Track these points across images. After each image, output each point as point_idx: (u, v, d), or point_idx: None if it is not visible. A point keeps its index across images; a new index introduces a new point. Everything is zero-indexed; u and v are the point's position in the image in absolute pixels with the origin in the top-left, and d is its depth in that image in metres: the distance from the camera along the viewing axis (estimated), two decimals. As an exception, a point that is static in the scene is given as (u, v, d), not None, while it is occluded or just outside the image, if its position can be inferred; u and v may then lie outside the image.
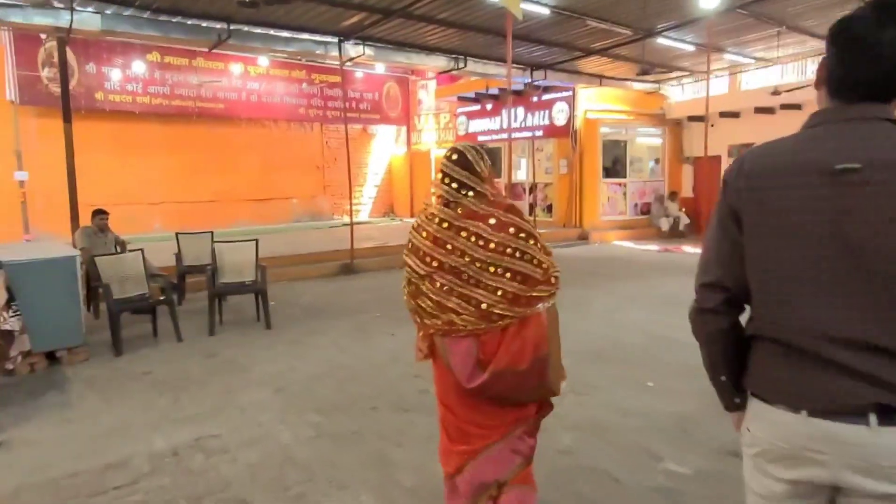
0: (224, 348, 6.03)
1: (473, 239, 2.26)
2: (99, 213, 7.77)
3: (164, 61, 15.11)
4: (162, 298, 6.41)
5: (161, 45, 14.37)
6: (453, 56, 12.02)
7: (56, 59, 13.24)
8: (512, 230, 2.27)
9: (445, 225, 2.31)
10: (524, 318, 2.26)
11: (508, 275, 2.24)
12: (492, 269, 2.25)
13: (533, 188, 16.13)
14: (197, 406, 4.48)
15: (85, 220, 8.24)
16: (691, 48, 11.57)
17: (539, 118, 15.76)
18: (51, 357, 5.63)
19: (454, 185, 2.35)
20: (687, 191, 16.80)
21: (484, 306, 2.25)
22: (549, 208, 16.25)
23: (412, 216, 20.21)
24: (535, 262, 2.27)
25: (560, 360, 2.40)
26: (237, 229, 16.06)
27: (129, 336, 6.49)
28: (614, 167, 16.14)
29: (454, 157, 2.38)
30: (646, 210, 16.48)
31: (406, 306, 2.52)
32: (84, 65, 13.98)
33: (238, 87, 16.43)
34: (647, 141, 16.62)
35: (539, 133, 15.73)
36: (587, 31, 10.75)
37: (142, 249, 6.59)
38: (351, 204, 11.42)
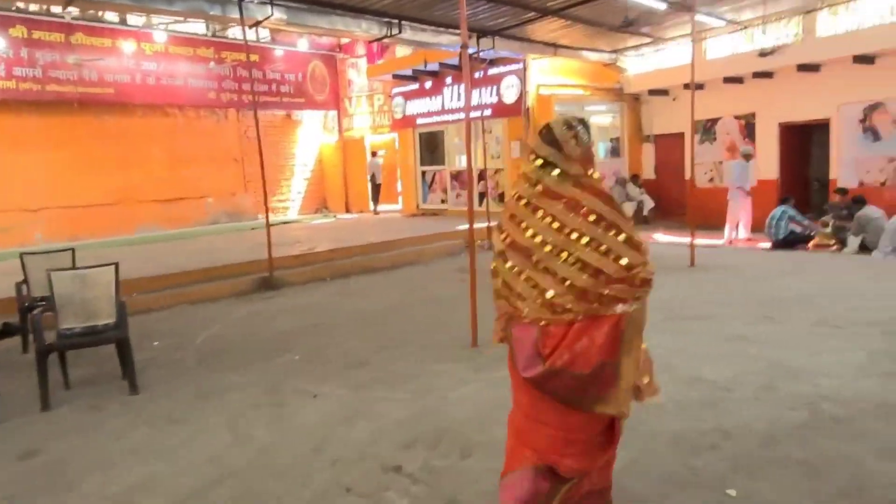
0: (54, 437, 3.94)
1: (548, 220, 2.12)
2: None
3: (31, 37, 12.43)
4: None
5: (20, 15, 11.81)
6: (386, 20, 10.02)
7: None
8: (592, 217, 2.08)
9: (523, 202, 2.20)
10: (596, 318, 2.07)
11: (578, 265, 2.07)
12: (563, 255, 2.09)
13: (482, 175, 14.33)
14: None
15: None
16: (662, 6, 9.96)
17: (486, 95, 13.94)
18: None
19: (538, 161, 2.20)
20: (648, 172, 15.39)
21: (549, 295, 2.10)
22: (502, 197, 14.50)
23: (348, 211, 18.15)
24: (612, 256, 2.05)
25: (634, 374, 2.12)
26: (141, 236, 13.68)
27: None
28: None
29: (543, 131, 2.21)
30: (606, 195, 14.96)
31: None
32: (-76, 41, 11.23)
33: (131, 68, 13.86)
34: (598, 119, 15.03)
35: (487, 112, 13.91)
36: (545, -15, 8.99)
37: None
38: (267, 204, 9.27)
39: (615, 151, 15.33)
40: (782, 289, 6.94)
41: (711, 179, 13.90)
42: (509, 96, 13.49)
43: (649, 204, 14.31)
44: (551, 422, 2.16)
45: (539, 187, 2.16)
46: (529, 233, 2.13)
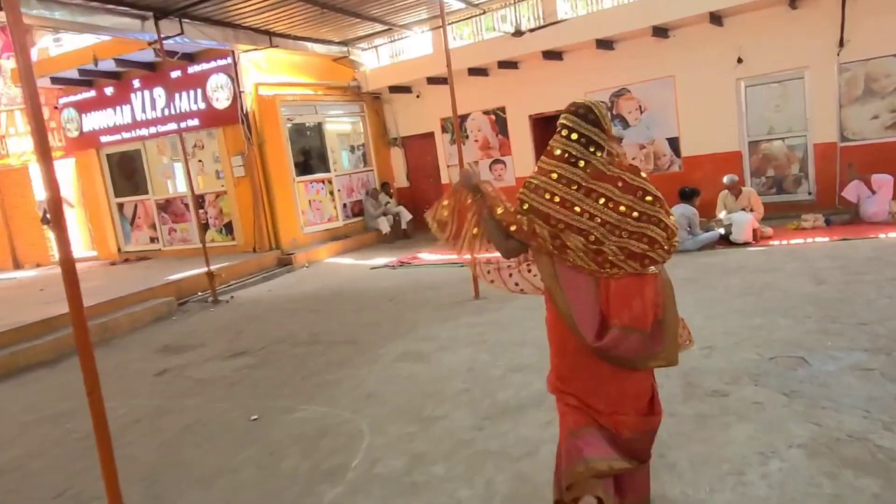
0: None
1: (602, 201, 2.20)
2: None
3: None
4: None
5: None
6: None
7: None
8: (640, 193, 2.21)
9: (574, 186, 2.22)
10: (636, 277, 2.22)
11: (636, 236, 2.19)
12: (616, 231, 2.19)
13: (200, 202, 11.14)
14: None
15: None
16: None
17: (190, 101, 10.79)
18: None
19: (583, 139, 2.22)
20: (401, 180, 13.64)
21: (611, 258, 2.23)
22: (229, 227, 11.44)
23: (18, 268, 13.38)
24: (661, 225, 2.21)
25: (677, 331, 2.32)
26: None
27: None
28: (308, 161, 12.04)
29: (581, 111, 2.23)
30: (357, 211, 12.82)
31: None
32: None
33: None
34: (336, 126, 12.81)
35: (194, 122, 10.78)
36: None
37: None
38: None
39: (362, 160, 13.26)
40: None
41: (469, 183, 12.56)
42: (220, 100, 10.53)
43: (406, 216, 12.50)
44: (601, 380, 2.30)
45: (588, 169, 2.20)
46: (586, 215, 2.18)
